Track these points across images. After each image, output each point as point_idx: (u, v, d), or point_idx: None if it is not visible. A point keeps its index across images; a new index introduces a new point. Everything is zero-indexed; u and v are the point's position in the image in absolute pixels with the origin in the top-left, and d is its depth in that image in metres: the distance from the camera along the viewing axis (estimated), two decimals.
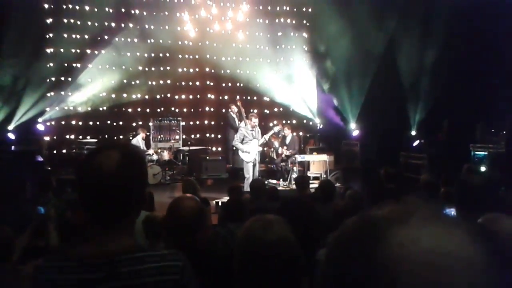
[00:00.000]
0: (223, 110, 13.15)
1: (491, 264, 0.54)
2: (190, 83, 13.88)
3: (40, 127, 11.90)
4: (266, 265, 1.50)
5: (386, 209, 0.63)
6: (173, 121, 12.82)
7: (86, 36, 12.52)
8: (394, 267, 0.54)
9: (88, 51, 12.60)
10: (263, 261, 1.50)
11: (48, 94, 12.09)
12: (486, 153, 9.50)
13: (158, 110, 13.49)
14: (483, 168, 8.83)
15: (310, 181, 7.62)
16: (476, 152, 9.70)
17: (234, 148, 10.08)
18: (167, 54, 13.29)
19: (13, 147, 10.70)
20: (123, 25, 12.86)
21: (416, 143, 11.65)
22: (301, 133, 13.22)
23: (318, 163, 11.19)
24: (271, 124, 13.26)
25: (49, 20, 12.18)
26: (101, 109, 12.80)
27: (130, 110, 13.28)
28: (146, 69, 13.18)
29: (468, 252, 0.54)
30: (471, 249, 0.55)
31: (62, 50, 12.27)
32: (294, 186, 10.19)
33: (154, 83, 13.35)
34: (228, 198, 5.87)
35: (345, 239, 0.64)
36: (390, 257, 0.55)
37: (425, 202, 0.62)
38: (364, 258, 0.57)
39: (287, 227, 1.58)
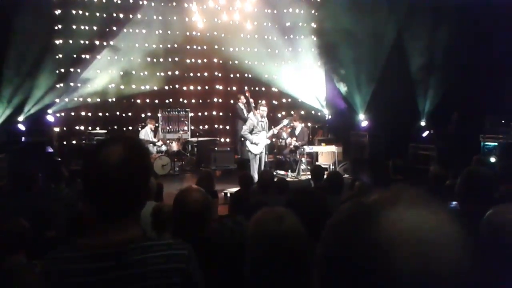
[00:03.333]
0: (232, 101, 13.14)
1: (467, 240, 0.65)
2: (198, 74, 13.87)
3: (50, 118, 11.96)
4: (278, 257, 1.53)
5: (376, 195, 0.71)
6: (181, 112, 12.85)
7: (95, 28, 12.56)
8: (386, 243, 0.63)
9: (97, 42, 12.65)
10: (275, 253, 1.53)
11: (58, 86, 12.14)
12: (496, 143, 9.41)
13: (167, 101, 13.52)
14: (493, 159, 8.75)
15: None
16: (486, 143, 9.60)
17: (242, 138, 10.06)
18: (175, 45, 13.26)
19: (23, 138, 10.79)
20: (131, 16, 12.87)
21: (425, 133, 11.57)
22: (309, 124, 13.17)
23: (326, 154, 11.18)
24: (279, 115, 13.24)
25: (57, 12, 12.21)
26: (110, 100, 12.86)
27: (139, 101, 13.33)
28: (155, 60, 13.18)
29: (448, 228, 0.65)
30: (451, 226, 0.65)
31: (71, 41, 12.32)
32: (302, 177, 10.24)
33: (162, 74, 13.35)
34: (238, 188, 5.90)
35: (339, 222, 0.72)
36: (382, 235, 0.64)
37: (410, 187, 0.71)
38: (358, 238, 0.66)
39: (297, 219, 1.61)
